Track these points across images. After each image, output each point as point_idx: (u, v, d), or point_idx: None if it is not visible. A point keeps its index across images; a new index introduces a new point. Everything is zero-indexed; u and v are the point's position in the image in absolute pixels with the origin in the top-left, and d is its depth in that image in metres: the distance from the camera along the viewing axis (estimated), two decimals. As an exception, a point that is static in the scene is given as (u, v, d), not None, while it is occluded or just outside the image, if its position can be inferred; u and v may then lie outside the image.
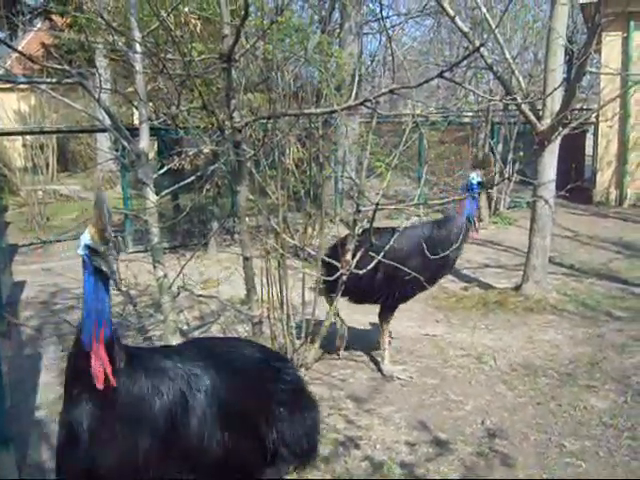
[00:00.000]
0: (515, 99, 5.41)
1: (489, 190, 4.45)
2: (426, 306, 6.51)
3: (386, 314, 4.92)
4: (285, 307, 4.71)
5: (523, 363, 4.97)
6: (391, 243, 4.52)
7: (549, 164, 6.50)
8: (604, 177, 12.98)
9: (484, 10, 6.40)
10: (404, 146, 4.42)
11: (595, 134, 13.54)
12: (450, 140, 12.85)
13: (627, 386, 4.48)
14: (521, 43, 11.99)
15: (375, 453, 3.71)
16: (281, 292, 4.70)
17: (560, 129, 5.92)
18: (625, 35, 12.02)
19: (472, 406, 4.29)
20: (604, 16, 4.88)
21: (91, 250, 1.96)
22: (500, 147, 12.35)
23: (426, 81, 3.55)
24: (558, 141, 6.41)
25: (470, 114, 13.72)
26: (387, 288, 4.71)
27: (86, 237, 1.96)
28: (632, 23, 11.95)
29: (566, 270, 7.76)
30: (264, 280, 4.61)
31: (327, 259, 4.72)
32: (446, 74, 3.21)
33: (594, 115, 12.33)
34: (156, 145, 9.80)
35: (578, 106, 11.39)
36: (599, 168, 13.06)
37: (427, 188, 12.24)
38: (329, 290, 4.87)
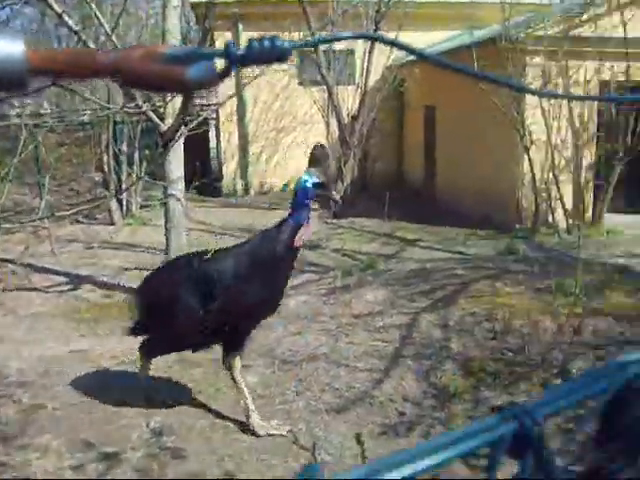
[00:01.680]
0: (138, 105, 5.41)
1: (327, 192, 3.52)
2: (68, 321, 6.16)
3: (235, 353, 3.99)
4: None
5: (178, 358, 5.06)
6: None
7: (176, 162, 6.72)
8: (229, 169, 13.94)
9: (94, 7, 6.21)
10: (19, 156, 4.06)
11: (217, 128, 14.31)
12: (70, 141, 12.19)
13: (273, 358, 4.99)
14: (136, 39, 11.85)
15: (36, 490, 3.41)
16: None
17: (183, 128, 6.15)
18: (235, 36, 12.96)
19: (134, 412, 4.23)
20: (214, 17, 5.17)
21: None
22: (125, 147, 12.03)
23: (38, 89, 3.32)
24: (182, 139, 6.66)
25: (89, 112, 13.03)
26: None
27: None
28: (240, 25, 12.92)
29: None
30: None
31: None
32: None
33: (215, 110, 13.04)
34: None
35: (199, 102, 11.95)
36: (224, 161, 13.96)
37: (50, 196, 11.38)
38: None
